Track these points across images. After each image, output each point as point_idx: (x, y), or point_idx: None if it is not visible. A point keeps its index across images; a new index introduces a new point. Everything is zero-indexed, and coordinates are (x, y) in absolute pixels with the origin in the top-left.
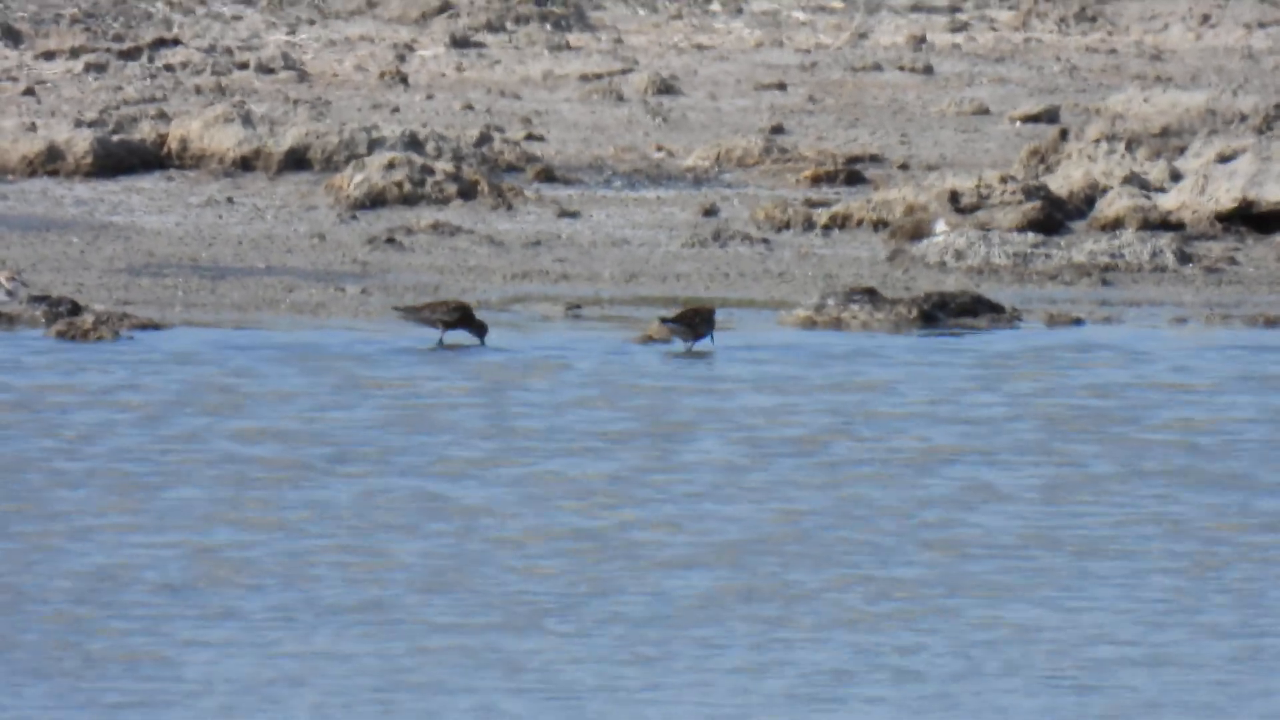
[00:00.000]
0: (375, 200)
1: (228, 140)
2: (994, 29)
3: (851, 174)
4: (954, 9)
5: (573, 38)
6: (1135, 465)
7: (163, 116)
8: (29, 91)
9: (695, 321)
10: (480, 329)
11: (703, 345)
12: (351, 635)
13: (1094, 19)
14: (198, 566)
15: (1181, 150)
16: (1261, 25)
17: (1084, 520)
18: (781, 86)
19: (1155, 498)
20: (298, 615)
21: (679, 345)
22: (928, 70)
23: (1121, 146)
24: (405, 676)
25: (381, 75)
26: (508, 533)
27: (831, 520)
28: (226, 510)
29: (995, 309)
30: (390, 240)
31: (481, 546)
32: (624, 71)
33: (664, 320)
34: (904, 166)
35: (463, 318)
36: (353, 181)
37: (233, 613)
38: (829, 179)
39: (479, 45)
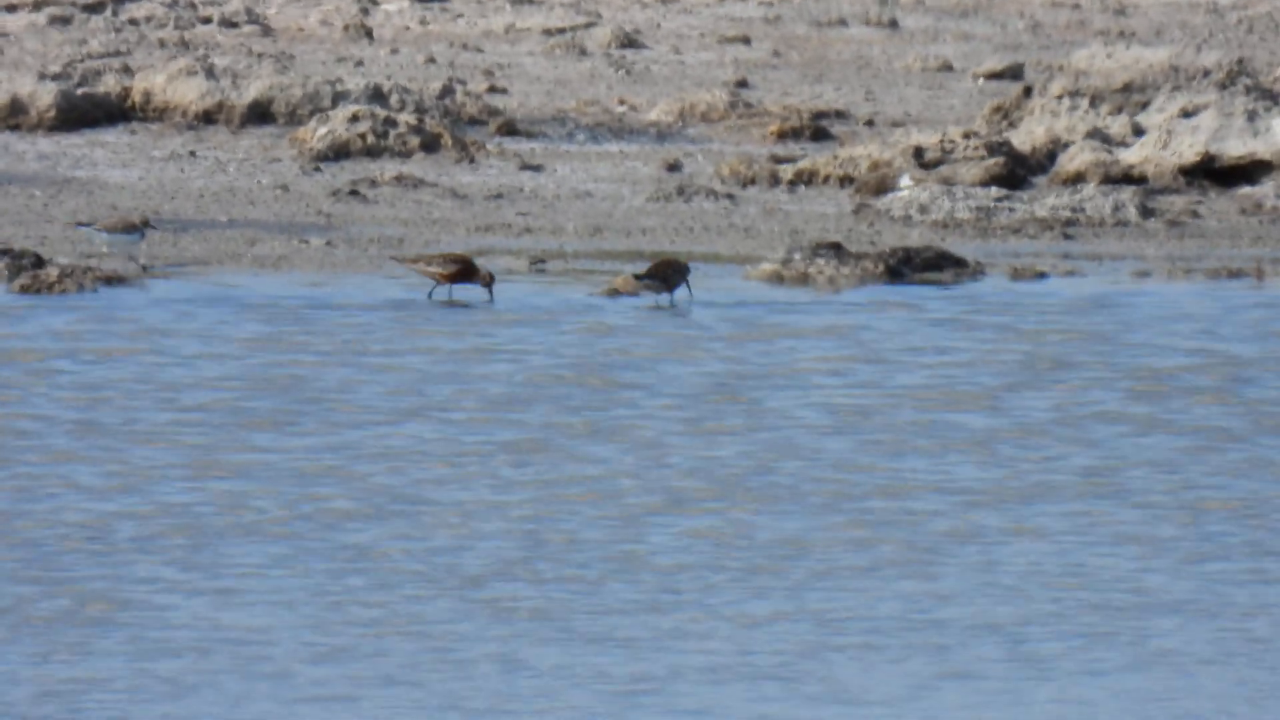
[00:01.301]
0: (339, 152)
1: (191, 93)
2: None
3: (817, 130)
4: None
5: None
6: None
7: (126, 70)
8: None
9: (668, 274)
10: (486, 281)
11: (680, 295)
12: (320, 584)
13: None
14: (156, 517)
15: (1144, 105)
16: None
17: (1033, 468)
18: (745, 40)
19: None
20: (246, 563)
21: (649, 299)
22: (893, 25)
23: (1085, 102)
24: (375, 629)
25: (345, 29)
26: (463, 489)
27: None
28: (186, 459)
29: (959, 263)
30: (354, 192)
31: (435, 498)
32: (587, 25)
33: (636, 276)
34: (869, 123)
35: (463, 270)
36: (316, 134)
37: (186, 563)
38: (795, 135)
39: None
